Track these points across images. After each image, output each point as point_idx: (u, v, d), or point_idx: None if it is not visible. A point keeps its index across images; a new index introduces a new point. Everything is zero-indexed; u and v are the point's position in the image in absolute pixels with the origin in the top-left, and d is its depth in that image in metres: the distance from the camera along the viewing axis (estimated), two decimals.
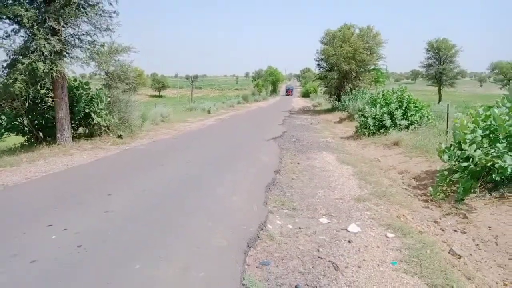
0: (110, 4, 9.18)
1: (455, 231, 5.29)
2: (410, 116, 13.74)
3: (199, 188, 6.27)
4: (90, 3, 8.71)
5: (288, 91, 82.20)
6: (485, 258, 4.42)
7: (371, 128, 13.97)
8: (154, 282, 3.11)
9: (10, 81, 7.60)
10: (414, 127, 12.91)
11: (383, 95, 15.21)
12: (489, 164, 6.08)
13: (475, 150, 6.30)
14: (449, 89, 56.60)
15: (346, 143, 13.19)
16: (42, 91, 8.12)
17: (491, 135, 6.64)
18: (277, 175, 7.25)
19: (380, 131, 13.71)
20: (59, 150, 8.89)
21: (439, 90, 50.77)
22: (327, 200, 5.73)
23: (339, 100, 27.38)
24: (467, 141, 6.58)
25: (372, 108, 14.58)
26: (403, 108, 14.06)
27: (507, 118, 6.33)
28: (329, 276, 3.29)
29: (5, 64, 8.48)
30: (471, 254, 4.51)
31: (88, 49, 9.18)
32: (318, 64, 32.63)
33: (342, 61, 26.76)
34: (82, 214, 4.80)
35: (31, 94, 8.33)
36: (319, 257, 3.68)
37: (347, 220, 4.80)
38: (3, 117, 9.24)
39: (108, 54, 9.88)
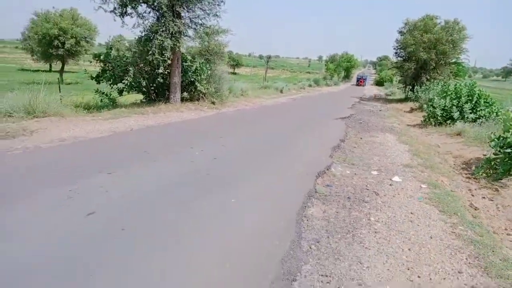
0: None
1: (483, 197, 6.58)
2: (479, 110, 14.18)
3: (284, 142, 8.38)
4: None
5: (360, 81, 65.69)
6: (499, 215, 5.75)
7: (439, 118, 14.72)
8: (263, 181, 5.18)
9: (150, 52, 10.26)
10: (481, 121, 13.40)
11: (454, 88, 15.68)
12: None
13: None
14: None
15: (410, 129, 14.18)
16: (168, 61, 10.71)
17: None
18: (341, 143, 8.95)
19: (447, 122, 14.41)
20: (172, 107, 11.60)
21: None
22: (380, 163, 7.33)
23: (413, 91, 27.37)
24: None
25: (442, 100, 15.22)
26: (473, 102, 14.51)
27: None
28: (371, 197, 5.05)
29: (142, 39, 11.19)
30: (488, 211, 5.87)
31: (198, 30, 11.55)
32: (395, 53, 32.37)
33: (421, 50, 26.52)
34: (209, 144, 7.25)
35: (155, 62, 10.95)
36: (366, 188, 5.42)
37: (392, 175, 6.41)
38: (129, 78, 12.05)
39: (212, 34, 12.15)
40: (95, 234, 3.32)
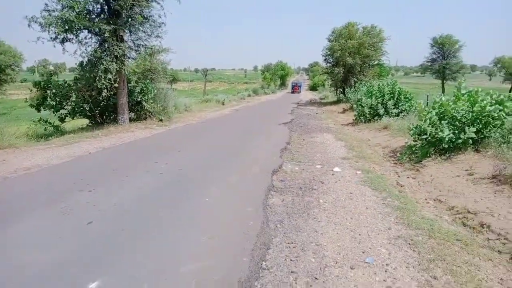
0: (160, 17, 12.01)
1: (408, 177, 7.95)
2: (400, 105, 16.24)
3: (235, 148, 9.21)
4: (147, 16, 11.50)
5: (295, 88, 65.03)
6: (420, 189, 7.06)
7: (367, 116, 16.57)
8: (227, 181, 5.92)
9: (97, 77, 10.51)
10: (404, 115, 15.40)
11: (378, 88, 17.76)
12: (438, 136, 8.70)
13: (428, 126, 8.92)
14: (452, 82, 58.76)
15: (344, 128, 15.81)
16: (115, 84, 11.03)
17: (442, 116, 9.25)
18: (287, 145, 10.01)
19: (375, 118, 16.29)
20: (122, 128, 11.84)
21: (442, 83, 52.87)
22: (322, 158, 8.45)
23: (343, 93, 29.86)
24: (426, 120, 9.22)
25: (368, 99, 17.16)
26: (395, 98, 16.58)
27: (451, 104, 8.97)
28: (318, 185, 6.04)
29: (83, 64, 11.37)
30: (411, 187, 7.18)
31: (141, 51, 12.01)
32: (325, 59, 35.01)
33: (347, 55, 29.12)
34: (171, 158, 7.79)
35: (101, 86, 11.19)
36: (313, 179, 6.42)
37: (333, 166, 7.52)
38: (72, 103, 12.11)
39: (154, 54, 12.67)
40: (102, 235, 3.88)
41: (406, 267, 3.30)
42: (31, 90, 12.71)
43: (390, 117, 15.45)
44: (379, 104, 16.55)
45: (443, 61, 51.35)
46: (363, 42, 28.78)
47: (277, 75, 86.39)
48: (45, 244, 3.68)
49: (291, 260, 3.41)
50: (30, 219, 4.30)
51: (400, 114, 15.67)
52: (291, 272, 3.19)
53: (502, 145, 7.72)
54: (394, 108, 16.13)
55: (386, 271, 3.22)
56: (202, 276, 3.09)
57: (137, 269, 3.20)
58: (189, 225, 4.26)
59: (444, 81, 53.50)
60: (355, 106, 19.23)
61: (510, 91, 49.09)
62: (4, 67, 32.12)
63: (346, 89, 28.20)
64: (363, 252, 3.59)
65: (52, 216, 4.41)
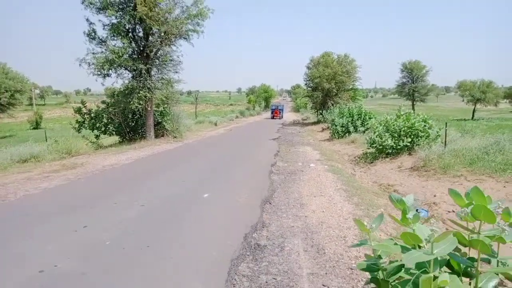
0: (178, 57, 15.91)
1: (360, 171, 11.71)
2: (366, 124, 20.25)
3: (242, 154, 12.92)
4: (171, 58, 15.33)
5: (275, 112, 51.15)
6: (365, 177, 10.81)
7: (340, 133, 20.52)
8: (235, 176, 9.54)
9: (133, 102, 14.15)
10: (369, 131, 19.35)
11: (348, 110, 21.86)
12: (384, 144, 12.54)
13: (376, 137, 12.81)
14: (427, 103, 64.94)
15: (321, 143, 19.64)
16: (148, 108, 14.71)
17: (387, 130, 13.17)
18: (278, 152, 13.73)
19: (346, 134, 20.23)
20: (150, 143, 15.39)
21: (412, 104, 58.30)
22: (302, 160, 12.15)
23: (322, 115, 34.05)
24: (375, 133, 13.11)
25: (340, 119, 21.18)
26: (361, 119, 20.66)
27: (392, 121, 12.92)
28: (300, 173, 9.70)
29: (120, 93, 15.04)
30: (361, 176, 10.92)
31: (164, 83, 15.75)
32: (305, 84, 39.47)
33: (324, 81, 33.46)
34: (200, 158, 11.33)
35: (135, 110, 14.79)
36: (296, 169, 10.09)
37: (310, 163, 11.23)
38: (113, 125, 15.69)
39: (172, 85, 16.41)
40: (181, 198, 7.38)
41: (340, 197, 6.97)
42: (75, 114, 16.13)
43: (358, 133, 19.42)
44: (349, 123, 20.58)
45: (412, 85, 56.95)
46: (337, 71, 33.20)
47: (261, 98, 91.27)
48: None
49: (285, 195, 7.04)
50: (127, 193, 7.77)
51: (366, 131, 19.64)
52: (286, 198, 6.82)
53: (424, 150, 11.56)
54: (361, 126, 20.17)
55: (330, 198, 6.89)
56: (250, 196, 6.68)
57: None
58: (235, 184, 7.83)
59: (414, 103, 58.98)
60: (330, 125, 23.27)
61: (473, 112, 53.97)
62: (14, 92, 35.11)
63: (324, 111, 32.32)
64: (321, 193, 7.25)
65: (145, 190, 7.90)
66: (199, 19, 15.29)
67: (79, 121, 16.09)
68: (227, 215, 5.91)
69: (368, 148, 13.64)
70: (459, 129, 15.94)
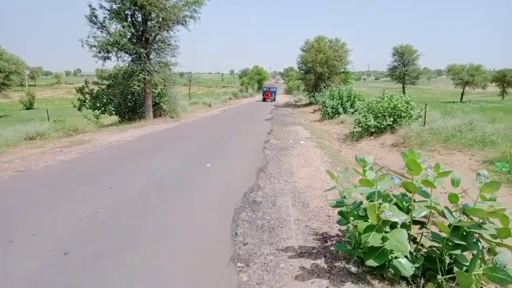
0: (175, 41, 16.58)
1: (346, 148, 12.73)
2: (355, 105, 21.21)
3: (238, 131, 13.87)
4: (169, 43, 16.00)
5: (266, 94, 48.53)
6: (350, 152, 11.84)
7: (330, 114, 21.48)
8: (232, 151, 10.49)
9: (133, 84, 14.87)
10: (357, 112, 20.36)
11: (338, 93, 22.78)
12: (367, 124, 13.53)
13: (361, 117, 13.80)
14: (419, 86, 66.10)
15: (312, 123, 20.61)
16: (148, 88, 15.46)
17: (370, 111, 14.15)
18: (271, 131, 14.66)
19: (336, 116, 21.20)
20: (149, 123, 16.21)
21: (403, 87, 59.46)
22: (293, 138, 13.11)
23: (314, 97, 34.91)
24: (360, 114, 14.10)
25: (331, 101, 22.12)
26: (351, 100, 21.61)
27: (375, 103, 13.90)
28: (291, 148, 10.67)
29: (119, 76, 15.71)
30: (346, 152, 11.95)
31: (162, 65, 16.44)
32: (299, 67, 40.13)
33: (317, 65, 34.18)
34: (192, 140, 12.21)
35: (135, 91, 15.52)
36: (288, 146, 11.06)
37: (300, 141, 12.20)
38: (113, 105, 16.42)
39: (169, 67, 17.10)
40: (187, 168, 8.31)
41: (325, 167, 7.96)
42: (77, 92, 16.79)
43: (347, 114, 20.40)
44: (339, 105, 21.53)
45: (403, 68, 57.91)
46: (329, 56, 33.88)
47: (254, 80, 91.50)
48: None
49: (277, 166, 8.01)
50: (143, 159, 8.69)
51: (355, 112, 20.62)
52: (278, 168, 7.80)
53: (404, 129, 12.53)
54: (350, 108, 21.14)
55: (316, 168, 7.88)
56: (246, 167, 7.64)
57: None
58: (232, 157, 8.78)
59: (405, 86, 60.11)
60: (321, 107, 24.20)
61: (462, 94, 55.22)
62: (8, 73, 35.22)
63: (316, 93, 33.16)
64: (309, 164, 8.24)
65: (153, 163, 8.81)
66: (196, 6, 15.92)
67: (81, 100, 16.75)
68: (228, 180, 6.90)
69: (355, 128, 14.65)
70: (442, 110, 17.02)
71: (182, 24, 16.33)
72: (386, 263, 3.17)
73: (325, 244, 3.93)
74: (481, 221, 3.09)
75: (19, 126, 13.00)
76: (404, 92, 58.22)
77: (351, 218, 3.45)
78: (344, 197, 3.61)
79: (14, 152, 9.62)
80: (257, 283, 3.13)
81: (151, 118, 16.78)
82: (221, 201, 5.54)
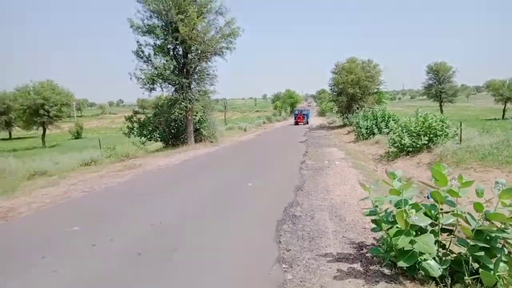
0: (213, 71, 17.89)
1: (382, 168, 12.93)
2: (389, 125, 21.27)
3: (275, 154, 14.48)
4: (208, 73, 17.29)
5: (298, 117, 47.02)
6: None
7: (364, 135, 21.64)
8: (270, 171, 11.09)
9: (174, 111, 16.10)
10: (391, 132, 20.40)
11: (372, 113, 22.95)
12: (403, 143, 13.72)
13: (396, 137, 14.00)
14: (457, 104, 64.10)
15: (347, 144, 20.86)
16: (189, 115, 16.65)
17: (405, 130, 14.30)
18: (306, 153, 15.14)
19: (370, 136, 21.32)
20: (191, 148, 17.30)
21: (440, 106, 57.89)
22: (328, 158, 13.51)
23: (347, 118, 35.05)
24: (395, 133, 14.30)
25: (365, 122, 22.31)
26: (386, 121, 21.69)
27: (409, 123, 14.07)
28: (326, 169, 11.10)
29: (165, 104, 17.04)
30: (382, 172, 12.16)
31: (202, 94, 17.64)
32: (331, 89, 40.60)
33: (348, 87, 34.51)
34: (233, 162, 12.95)
35: (178, 119, 16.72)
36: (323, 166, 11.49)
37: (335, 162, 12.58)
38: (158, 132, 17.73)
39: (208, 95, 18.29)
40: (231, 186, 9.00)
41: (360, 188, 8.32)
42: (126, 120, 18.29)
43: (382, 135, 20.48)
44: (373, 125, 21.67)
45: (438, 86, 56.59)
46: (360, 76, 34.18)
47: (286, 103, 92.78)
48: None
49: (314, 185, 8.48)
50: (192, 179, 9.49)
51: (390, 132, 20.67)
52: (315, 187, 8.27)
53: (440, 147, 12.59)
54: (385, 128, 21.20)
55: (352, 186, 8.27)
56: (284, 185, 8.20)
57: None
58: (271, 176, 9.38)
59: (442, 104, 58.49)
60: (355, 128, 24.40)
61: (503, 111, 52.87)
62: (60, 106, 38.47)
63: (349, 115, 33.33)
64: (344, 183, 8.64)
65: (203, 181, 9.59)
66: (231, 38, 17.19)
67: (129, 128, 18.23)
68: (269, 197, 7.50)
69: (390, 148, 14.81)
70: (479, 128, 16.78)
71: (219, 55, 17.61)
72: (416, 265, 3.58)
73: (361, 252, 4.37)
74: (503, 226, 3.45)
75: (75, 154, 14.40)
76: (441, 111, 56.65)
77: (384, 225, 3.89)
78: (377, 206, 4.07)
79: (75, 176, 10.80)
80: (300, 281, 3.64)
81: (192, 143, 17.89)
82: (265, 214, 6.15)
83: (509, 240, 3.44)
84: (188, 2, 16.19)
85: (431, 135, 13.57)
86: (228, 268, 4.07)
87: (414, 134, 13.79)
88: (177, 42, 16.41)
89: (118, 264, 4.27)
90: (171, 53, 16.88)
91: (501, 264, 3.39)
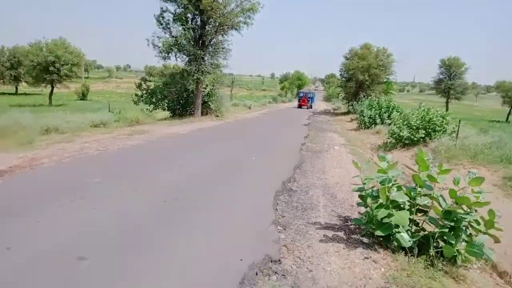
0: (228, 45, 18.20)
1: (378, 157, 13.48)
2: (392, 116, 21.68)
3: (275, 133, 15.04)
4: (223, 46, 17.61)
5: (302, 100, 45.89)
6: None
7: (367, 123, 22.09)
8: (272, 149, 11.69)
9: (189, 83, 16.56)
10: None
11: (377, 103, 23.32)
12: (401, 135, 14.21)
13: (396, 128, 14.49)
14: (464, 102, 63.84)
15: (348, 132, 21.36)
16: (200, 87, 17.14)
17: (405, 123, 14.77)
18: (308, 136, 15.69)
19: (373, 126, 21.77)
20: (198, 119, 17.87)
21: (447, 102, 57.80)
22: (328, 143, 14.07)
23: (353, 106, 35.33)
24: (395, 125, 14.78)
25: (369, 111, 22.72)
26: (389, 111, 22.08)
27: (411, 115, 14.53)
28: (325, 152, 11.68)
29: (177, 76, 17.48)
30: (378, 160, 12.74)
31: (214, 67, 18.05)
32: (341, 74, 40.63)
33: (358, 72, 34.58)
34: (237, 137, 13.59)
35: (190, 90, 17.21)
36: (322, 149, 12.07)
37: (334, 146, 13.15)
38: (167, 102, 18.26)
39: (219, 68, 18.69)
40: (237, 158, 9.62)
41: (354, 170, 8.91)
42: (136, 87, 18.78)
43: (384, 125, 20.93)
44: (377, 115, 22.09)
45: (448, 82, 56.29)
46: (372, 63, 34.17)
47: (294, 85, 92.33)
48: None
49: (311, 166, 9.08)
50: (200, 148, 10.12)
51: (392, 123, 21.12)
52: (312, 167, 8.87)
53: (435, 142, 13.08)
54: (387, 119, 21.60)
55: (346, 169, 8.87)
56: (284, 163, 8.81)
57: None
58: (273, 154, 9.99)
59: (449, 100, 58.35)
60: (359, 116, 24.82)
61: (508, 114, 52.81)
62: (72, 65, 38.71)
63: (355, 102, 33.63)
64: (340, 166, 9.24)
65: (209, 151, 10.21)
66: (250, 12, 17.37)
67: (138, 95, 18.71)
68: (270, 170, 8.21)
69: (389, 138, 15.32)
70: (479, 128, 17.26)
71: (236, 29, 17.86)
72: (391, 236, 4.20)
73: (346, 223, 5.00)
74: (469, 210, 4.05)
75: (85, 114, 14.97)
76: (447, 107, 56.59)
77: (368, 200, 4.49)
78: (365, 183, 4.67)
79: (87, 136, 11.41)
80: (291, 240, 4.28)
81: (199, 115, 18.42)
82: (265, 185, 6.83)
83: (472, 223, 4.05)
84: None
85: (430, 130, 14.05)
86: (234, 223, 4.81)
87: (414, 127, 14.27)
88: (197, 12, 16.68)
89: (148, 207, 5.15)
90: (190, 22, 17.16)
91: (463, 243, 4.01)
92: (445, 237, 4.07)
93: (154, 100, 18.57)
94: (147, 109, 18.62)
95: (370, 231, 4.42)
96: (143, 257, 3.60)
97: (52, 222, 4.40)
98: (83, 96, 55.81)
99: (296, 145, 12.39)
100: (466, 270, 4.09)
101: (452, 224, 4.02)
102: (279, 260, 3.69)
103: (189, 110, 19.14)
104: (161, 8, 17.00)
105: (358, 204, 4.83)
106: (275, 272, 3.42)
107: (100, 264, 3.40)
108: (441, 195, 4.17)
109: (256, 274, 3.36)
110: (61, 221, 4.44)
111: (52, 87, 39.92)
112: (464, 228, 4.05)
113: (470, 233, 4.10)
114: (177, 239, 4.12)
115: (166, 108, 19.00)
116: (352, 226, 4.87)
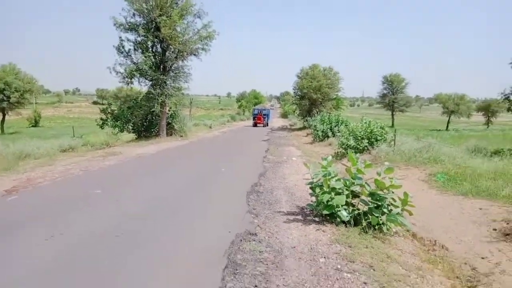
0: (188, 70, 19.58)
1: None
2: (340, 129, 23.98)
3: (239, 150, 16.47)
4: (183, 71, 18.99)
5: (258, 117, 44.26)
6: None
7: (320, 137, 24.23)
8: (238, 163, 13.10)
9: (156, 107, 17.63)
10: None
11: (328, 118, 25.65)
12: (348, 144, 16.22)
13: (344, 139, 16.51)
14: (409, 114, 69.56)
15: (304, 145, 23.32)
16: (164, 110, 18.21)
17: (351, 134, 16.86)
18: (268, 150, 17.29)
19: (325, 138, 23.93)
20: (163, 140, 18.88)
21: (392, 114, 63.03)
22: (287, 155, 15.72)
23: (307, 121, 37.83)
24: (343, 136, 16.81)
25: (321, 125, 24.93)
26: (339, 125, 24.40)
27: (355, 128, 16.66)
28: (284, 163, 13.27)
29: (146, 98, 18.51)
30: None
31: (176, 90, 19.28)
32: (294, 92, 43.26)
33: (311, 92, 37.26)
34: (205, 154, 14.81)
35: (155, 113, 18.26)
36: (282, 161, 13.65)
37: (292, 158, 14.80)
38: (131, 125, 19.14)
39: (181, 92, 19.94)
40: (208, 171, 10.88)
41: (309, 175, 10.56)
42: (101, 112, 19.46)
43: (335, 138, 23.13)
44: (328, 129, 24.34)
45: (392, 96, 61.66)
46: (322, 83, 37.08)
47: (251, 103, 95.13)
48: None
49: (273, 173, 10.58)
50: (171, 166, 11.25)
51: (341, 135, 23.38)
52: (274, 175, 10.37)
53: (376, 149, 15.14)
54: (338, 132, 23.88)
55: (302, 175, 10.38)
56: (250, 173, 10.22)
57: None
58: (239, 166, 11.36)
59: (394, 113, 63.69)
60: (313, 130, 27.04)
61: (447, 123, 58.35)
62: (23, 92, 37.86)
63: (309, 118, 36.11)
64: (297, 173, 10.82)
65: (181, 169, 11.38)
66: (207, 40, 18.99)
67: (103, 119, 19.42)
68: (238, 179, 9.60)
69: (339, 148, 17.35)
70: (415, 136, 19.85)
71: (195, 55, 19.36)
72: (334, 215, 5.72)
73: (303, 211, 6.51)
74: (386, 191, 5.69)
75: (47, 141, 15.50)
76: (392, 119, 61.70)
77: (317, 189, 6.02)
78: (313, 178, 6.20)
79: (63, 159, 12.13)
80: (262, 222, 5.69)
81: (164, 136, 19.47)
82: (237, 188, 8.25)
83: (391, 201, 5.69)
84: (170, 4, 17.77)
85: (372, 139, 16.22)
86: (219, 212, 6.26)
87: (359, 138, 16.38)
88: (157, 40, 17.95)
89: (148, 208, 6.35)
90: (150, 50, 18.38)
91: (385, 216, 5.62)
92: (372, 212, 5.67)
93: (118, 123, 19.36)
94: (112, 132, 19.33)
95: (319, 212, 5.93)
96: (159, 226, 4.81)
97: (79, 217, 5.48)
98: (35, 123, 54.00)
99: (259, 158, 13.89)
100: (391, 236, 5.69)
101: (378, 203, 5.63)
102: (255, 234, 5.07)
103: (153, 132, 20.11)
104: (120, 37, 18.17)
105: (310, 194, 6.35)
106: (254, 240, 4.80)
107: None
108: (366, 182, 5.79)
109: (241, 240, 4.72)
110: (81, 219, 5.52)
111: (4, 115, 38.66)
112: (385, 205, 5.67)
113: (391, 209, 5.73)
114: (184, 223, 5.45)
115: (132, 131, 19.82)
116: (307, 211, 6.38)
